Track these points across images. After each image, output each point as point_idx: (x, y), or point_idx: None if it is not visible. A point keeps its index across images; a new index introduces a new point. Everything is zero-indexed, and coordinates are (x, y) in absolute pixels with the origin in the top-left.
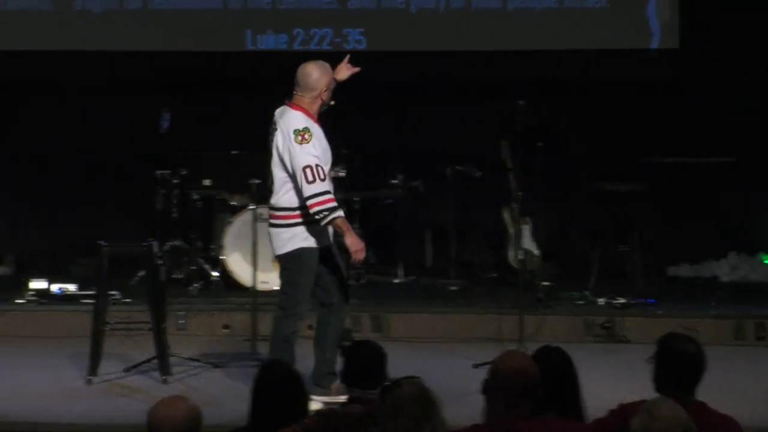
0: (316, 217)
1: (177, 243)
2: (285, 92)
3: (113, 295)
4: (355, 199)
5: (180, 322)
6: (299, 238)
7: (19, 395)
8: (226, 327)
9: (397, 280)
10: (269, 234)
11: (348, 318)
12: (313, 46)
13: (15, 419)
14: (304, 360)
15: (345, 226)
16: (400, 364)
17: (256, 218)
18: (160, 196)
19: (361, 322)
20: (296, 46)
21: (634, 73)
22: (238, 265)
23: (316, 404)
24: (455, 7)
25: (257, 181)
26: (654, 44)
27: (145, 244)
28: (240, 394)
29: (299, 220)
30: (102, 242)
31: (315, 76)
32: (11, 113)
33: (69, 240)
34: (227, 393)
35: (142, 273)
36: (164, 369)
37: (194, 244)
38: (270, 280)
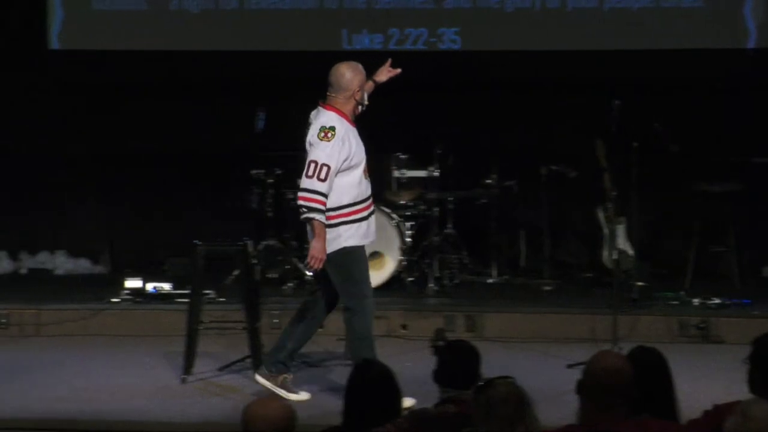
0: (299, 210)
1: (271, 242)
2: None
3: (208, 294)
4: (449, 198)
5: (274, 321)
6: (343, 237)
7: (114, 394)
8: (319, 326)
9: (490, 280)
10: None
11: (441, 318)
12: (408, 46)
13: (110, 418)
14: (393, 358)
15: (319, 230)
16: (493, 364)
17: None
18: (255, 195)
19: (455, 322)
20: (391, 46)
21: (730, 72)
22: None
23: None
24: (551, 6)
25: None
26: (750, 44)
27: (240, 243)
28: (334, 393)
29: (341, 219)
30: (197, 241)
31: (348, 76)
32: (109, 114)
33: (164, 239)
34: (321, 392)
35: (236, 272)
36: (258, 367)
37: (288, 243)
38: None
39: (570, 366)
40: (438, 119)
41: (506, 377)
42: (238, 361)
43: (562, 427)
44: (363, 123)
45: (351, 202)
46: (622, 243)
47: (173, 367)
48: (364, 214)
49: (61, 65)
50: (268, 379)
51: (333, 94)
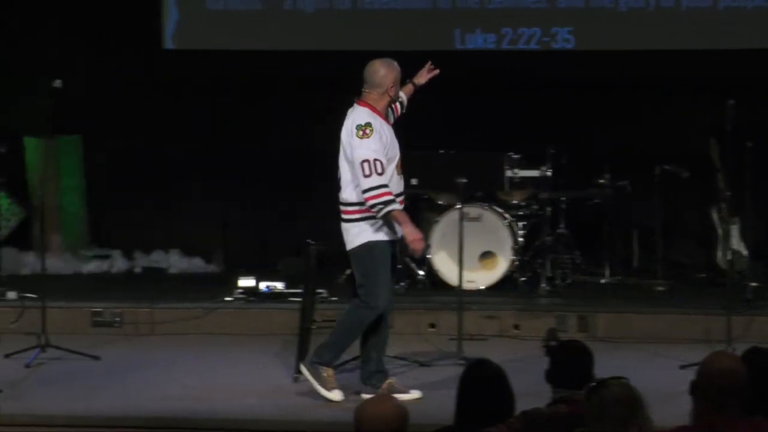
0: (372, 210)
1: None
2: (493, 92)
3: (320, 293)
4: (562, 198)
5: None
6: (369, 232)
7: (226, 393)
8: (432, 326)
9: (603, 280)
10: (341, 229)
11: (553, 318)
12: (521, 45)
13: (223, 416)
14: (505, 358)
15: (401, 217)
16: (605, 364)
17: (463, 217)
18: None
19: (567, 322)
20: (504, 46)
21: None
22: (445, 264)
23: None
24: (665, 6)
25: (464, 180)
26: None
27: None
28: (446, 392)
29: (367, 214)
30: (310, 241)
31: (382, 73)
32: (223, 113)
33: (277, 238)
34: (433, 391)
35: (348, 271)
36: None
37: (400, 243)
38: (477, 279)
39: (683, 367)
40: (551, 119)
41: (619, 378)
42: (349, 360)
43: (675, 427)
44: (478, 122)
45: None
46: (736, 243)
47: (285, 367)
48: None
49: (175, 65)
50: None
51: (367, 91)
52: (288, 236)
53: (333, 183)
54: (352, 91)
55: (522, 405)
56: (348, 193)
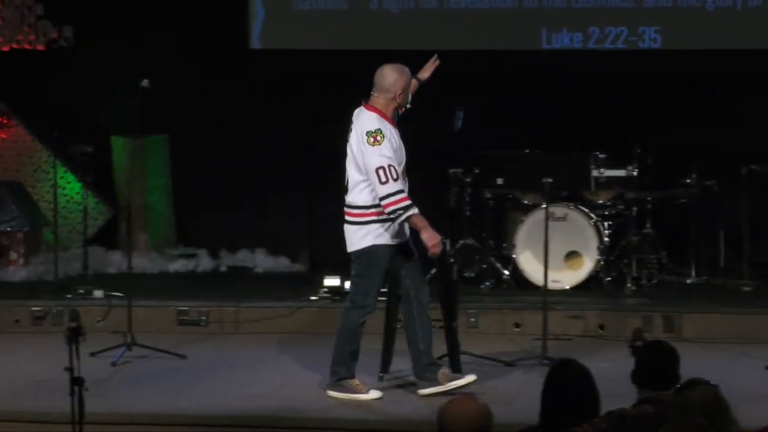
0: (392, 216)
1: (469, 241)
2: (579, 91)
3: None
4: (648, 198)
5: (471, 320)
6: (372, 236)
7: (311, 391)
8: (516, 325)
9: (689, 281)
10: (344, 231)
11: (639, 318)
12: (607, 45)
13: (308, 415)
14: (590, 358)
15: (420, 222)
16: (691, 365)
17: (549, 217)
18: (453, 194)
19: (653, 323)
20: (590, 45)
21: None
22: (530, 264)
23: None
24: (753, 5)
25: (550, 180)
26: None
27: None
28: (531, 392)
29: (373, 218)
30: None
31: (391, 78)
32: (309, 112)
33: None
34: (518, 391)
35: (434, 271)
36: (455, 366)
37: (486, 242)
38: (562, 279)
39: None
40: (637, 118)
41: (704, 380)
42: (442, 357)
43: (761, 428)
44: (564, 122)
45: None
46: None
47: (370, 365)
48: None
49: (261, 64)
50: (435, 387)
51: (375, 95)
52: None
53: (417, 182)
54: (434, 91)
55: (607, 405)
56: (354, 195)
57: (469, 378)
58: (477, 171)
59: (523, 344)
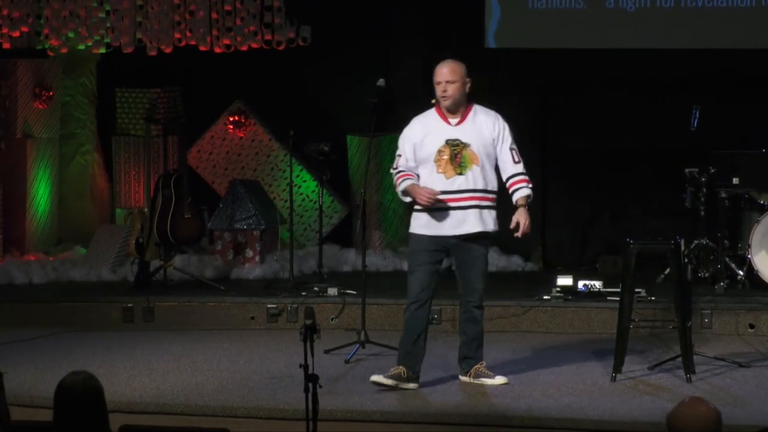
0: (528, 196)
1: (704, 241)
2: None
3: (639, 292)
4: None
5: (705, 321)
6: (413, 225)
7: (544, 390)
8: (751, 326)
9: None
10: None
11: None
12: None
13: (540, 414)
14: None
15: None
16: None
17: None
18: (688, 194)
19: None
20: None
21: None
22: (765, 264)
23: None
24: None
25: None
26: None
27: (672, 242)
28: (765, 394)
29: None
30: (629, 239)
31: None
32: (542, 111)
33: (597, 237)
34: (752, 393)
35: (668, 271)
36: (688, 368)
37: (721, 242)
38: None
39: None
40: None
41: None
42: (668, 360)
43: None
44: None
45: None
46: None
47: (603, 365)
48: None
49: (496, 63)
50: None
51: None
52: (607, 235)
53: (652, 181)
54: (671, 91)
55: None
56: None
57: (499, 380)
58: (713, 170)
59: (757, 345)
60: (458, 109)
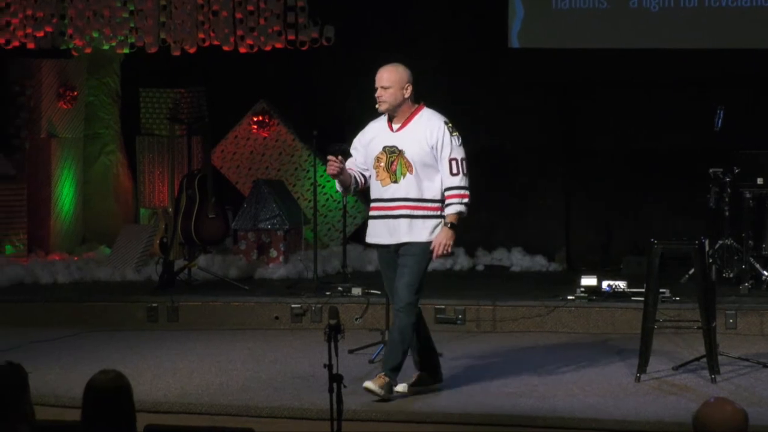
0: (461, 212)
1: (728, 241)
2: None
3: (663, 292)
4: None
5: (729, 321)
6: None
7: (569, 390)
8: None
9: None
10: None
11: None
12: None
13: (565, 414)
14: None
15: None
16: None
17: None
18: (713, 194)
19: None
20: None
21: None
22: None
23: None
24: None
25: None
26: None
27: (696, 242)
28: None
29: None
30: (653, 240)
31: None
32: (566, 111)
33: (621, 237)
34: None
35: (692, 271)
36: (713, 368)
37: (746, 242)
38: None
39: None
40: None
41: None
42: (693, 360)
43: None
44: None
45: None
46: None
47: (627, 365)
48: None
49: (519, 63)
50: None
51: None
52: (631, 235)
53: (676, 182)
54: (695, 91)
55: None
56: None
57: (400, 387)
58: (737, 170)
59: None
60: (398, 114)
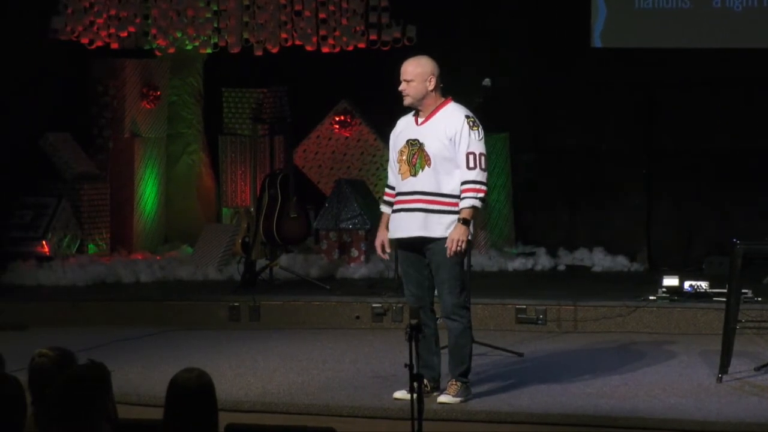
0: (477, 205)
1: None
2: None
3: (745, 293)
4: None
5: None
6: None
7: (649, 391)
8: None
9: None
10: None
11: None
12: None
13: (646, 415)
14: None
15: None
16: None
17: None
18: None
19: None
20: None
21: None
22: None
23: None
24: None
25: None
26: None
27: None
28: None
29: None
30: (736, 240)
31: None
32: (649, 111)
33: (704, 237)
34: None
35: None
36: None
37: None
38: None
39: None
40: None
41: None
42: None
43: None
44: None
45: None
46: None
47: (709, 366)
48: None
49: (602, 63)
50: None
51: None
52: (713, 235)
53: (759, 181)
54: None
55: None
56: None
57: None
58: None
59: None
60: (423, 108)
